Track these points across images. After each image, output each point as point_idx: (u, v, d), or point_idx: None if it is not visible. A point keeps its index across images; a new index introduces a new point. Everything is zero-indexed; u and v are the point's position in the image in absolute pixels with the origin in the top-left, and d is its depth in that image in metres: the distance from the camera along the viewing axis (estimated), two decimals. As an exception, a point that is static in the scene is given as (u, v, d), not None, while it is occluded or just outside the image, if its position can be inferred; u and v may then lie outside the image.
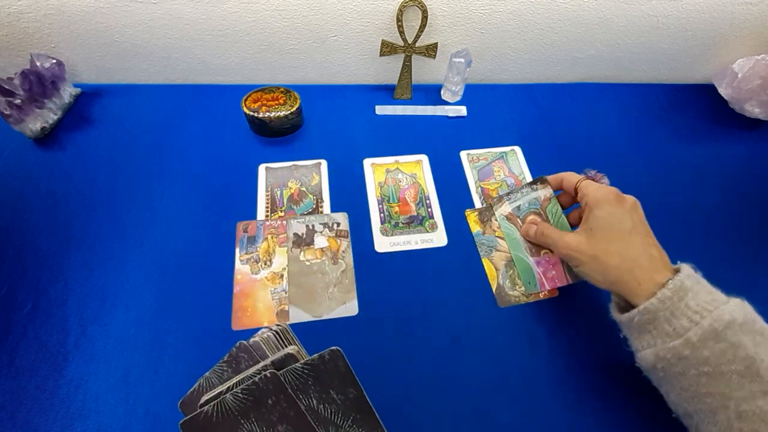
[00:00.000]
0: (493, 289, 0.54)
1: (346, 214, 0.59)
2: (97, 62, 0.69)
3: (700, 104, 0.76)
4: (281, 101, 0.65)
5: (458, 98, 0.73)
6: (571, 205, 0.53)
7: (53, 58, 0.64)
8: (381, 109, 0.71)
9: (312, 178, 0.62)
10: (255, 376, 0.35)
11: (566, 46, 0.72)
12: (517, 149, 0.67)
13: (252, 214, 0.58)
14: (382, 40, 0.65)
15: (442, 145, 0.67)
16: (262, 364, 0.37)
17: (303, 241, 0.56)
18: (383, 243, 0.57)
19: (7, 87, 0.59)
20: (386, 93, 0.74)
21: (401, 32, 0.64)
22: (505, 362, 0.49)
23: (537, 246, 0.55)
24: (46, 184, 0.59)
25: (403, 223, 0.59)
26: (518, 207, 0.57)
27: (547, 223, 0.53)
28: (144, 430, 0.43)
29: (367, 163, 0.64)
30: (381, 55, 0.67)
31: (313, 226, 0.57)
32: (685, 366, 0.37)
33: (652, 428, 0.45)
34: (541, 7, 0.66)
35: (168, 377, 0.46)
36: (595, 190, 0.47)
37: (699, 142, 0.71)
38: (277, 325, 0.40)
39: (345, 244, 0.56)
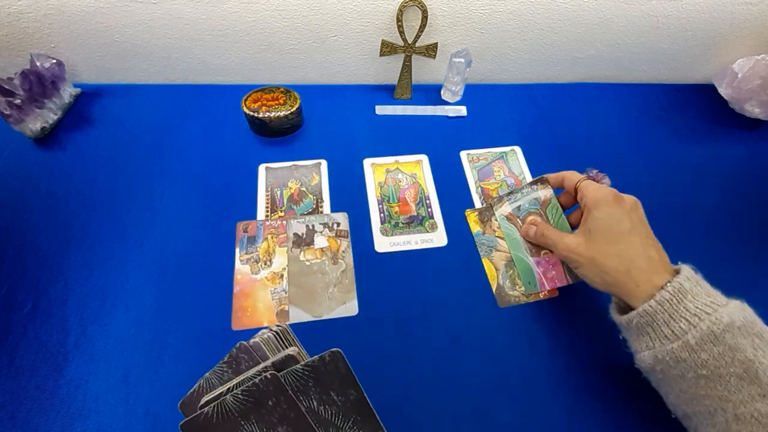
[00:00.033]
0: (493, 289, 0.54)
1: (346, 214, 0.59)
2: (97, 62, 0.69)
3: (700, 104, 0.76)
4: (281, 101, 0.65)
5: (458, 98, 0.73)
6: (573, 205, 0.53)
7: (53, 58, 0.64)
8: (381, 109, 0.71)
9: (312, 178, 0.62)
10: (255, 378, 0.35)
11: (566, 46, 0.72)
12: (517, 149, 0.67)
13: (252, 214, 0.58)
14: (382, 40, 0.65)
15: (442, 145, 0.67)
16: (262, 365, 0.37)
17: (303, 241, 0.56)
18: (383, 243, 0.57)
19: (7, 87, 0.59)
20: (386, 93, 0.74)
21: (401, 32, 0.64)
22: (505, 362, 0.49)
23: (537, 246, 0.54)
24: (46, 184, 0.59)
25: (403, 223, 0.59)
26: (518, 207, 0.57)
27: (547, 224, 0.53)
28: (144, 430, 0.43)
29: (367, 163, 0.64)
30: (381, 55, 0.67)
31: (313, 226, 0.57)
32: (683, 368, 0.37)
33: (652, 429, 0.45)
34: (541, 7, 0.66)
35: (168, 377, 0.46)
36: (594, 191, 0.46)
37: (699, 142, 0.71)
38: (278, 325, 0.40)
39: (345, 244, 0.56)
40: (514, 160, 0.66)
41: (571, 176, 0.51)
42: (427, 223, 0.59)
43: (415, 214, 0.60)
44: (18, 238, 0.55)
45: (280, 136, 0.66)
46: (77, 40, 0.65)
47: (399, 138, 0.68)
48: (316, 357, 0.36)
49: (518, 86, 0.76)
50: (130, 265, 0.53)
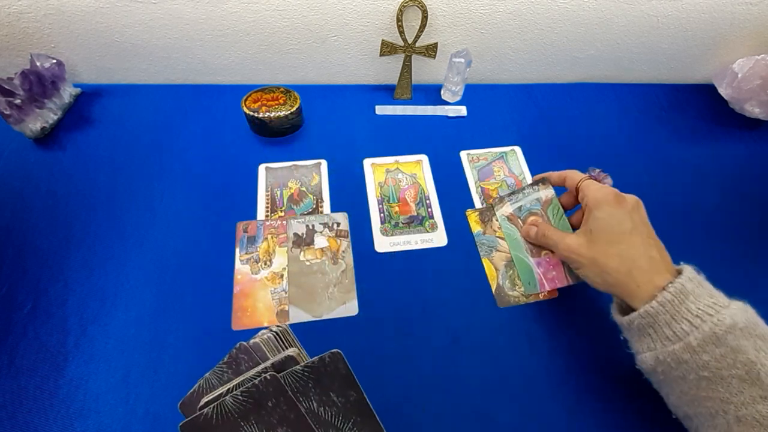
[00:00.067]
0: (493, 290, 0.54)
1: (346, 214, 0.59)
2: (97, 62, 0.69)
3: (700, 104, 0.76)
4: (281, 101, 0.65)
5: (458, 98, 0.73)
6: (574, 206, 0.53)
7: (53, 58, 0.64)
8: (381, 109, 0.71)
9: (312, 178, 0.62)
10: (255, 379, 0.35)
11: (566, 46, 0.72)
12: (517, 149, 0.67)
13: (252, 214, 0.58)
14: (382, 40, 0.65)
15: (442, 145, 0.67)
16: (262, 366, 0.37)
17: (303, 241, 0.56)
18: (383, 243, 0.57)
19: (7, 87, 0.59)
20: (386, 93, 0.74)
21: (401, 32, 0.64)
22: (505, 362, 0.49)
23: (538, 246, 0.54)
24: (46, 184, 0.59)
25: (403, 223, 0.59)
26: (520, 207, 0.57)
27: (548, 225, 0.53)
28: (144, 430, 0.43)
29: (367, 163, 0.64)
30: (381, 55, 0.67)
31: (313, 226, 0.57)
32: (685, 370, 0.37)
33: (652, 429, 0.45)
34: (541, 7, 0.66)
35: (168, 377, 0.46)
36: (596, 190, 0.46)
37: (699, 142, 0.71)
38: (278, 326, 0.40)
39: (345, 244, 0.56)
40: (514, 160, 0.66)
41: (573, 176, 0.51)
42: (427, 223, 0.59)
43: (415, 214, 0.60)
44: (18, 238, 0.55)
45: (280, 136, 0.66)
46: (77, 40, 0.65)
47: (399, 138, 0.68)
48: (316, 358, 0.36)
49: (518, 86, 0.76)
50: (130, 265, 0.53)
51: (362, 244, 0.57)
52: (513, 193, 0.58)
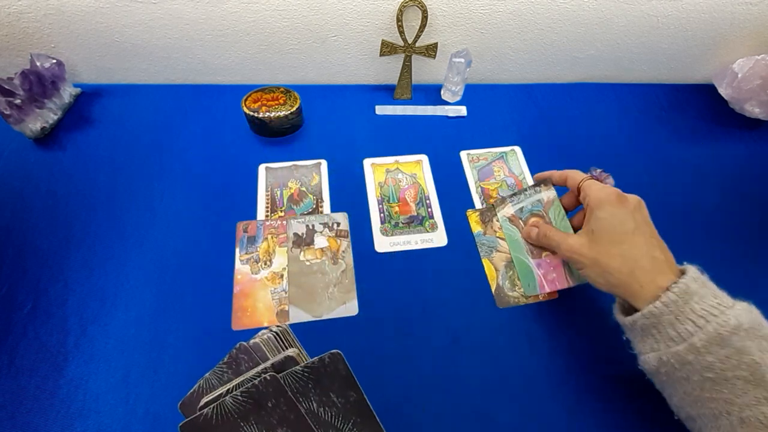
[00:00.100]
0: (493, 290, 0.54)
1: (346, 214, 0.59)
2: (97, 62, 0.69)
3: (700, 104, 0.76)
4: (281, 101, 0.65)
5: (458, 98, 0.73)
6: (575, 207, 0.53)
7: (53, 58, 0.64)
8: (381, 109, 0.71)
9: (312, 178, 0.62)
10: (255, 379, 0.35)
11: (566, 46, 0.72)
12: (517, 149, 0.67)
13: (252, 214, 0.58)
14: (382, 40, 0.65)
15: (442, 145, 0.67)
16: (262, 366, 0.37)
17: (303, 241, 0.56)
18: (383, 243, 0.57)
19: (7, 87, 0.59)
20: (386, 93, 0.74)
21: (401, 32, 0.64)
22: (505, 362, 0.49)
23: (538, 248, 0.54)
24: (46, 184, 0.59)
25: (403, 223, 0.59)
26: (521, 209, 0.57)
27: (550, 225, 0.53)
28: (144, 430, 0.43)
29: (367, 163, 0.64)
30: (381, 55, 0.67)
31: (313, 226, 0.57)
32: (688, 371, 0.37)
33: (652, 429, 0.45)
34: (541, 7, 0.66)
35: (168, 377, 0.46)
36: (598, 190, 0.46)
37: (699, 142, 0.71)
38: (278, 326, 0.40)
39: (345, 244, 0.56)
40: (514, 160, 0.66)
41: (574, 175, 0.50)
42: (427, 223, 0.59)
43: (415, 214, 0.60)
44: (18, 238, 0.55)
45: (280, 136, 0.66)
46: (77, 40, 0.65)
47: (399, 138, 0.68)
48: (315, 358, 0.36)
49: (518, 86, 0.76)
50: (130, 265, 0.53)
51: (362, 244, 0.57)
52: (515, 194, 0.58)
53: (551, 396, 0.47)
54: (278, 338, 0.39)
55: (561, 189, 0.54)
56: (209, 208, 0.58)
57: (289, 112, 0.63)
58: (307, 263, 0.54)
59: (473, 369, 0.48)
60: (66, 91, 0.66)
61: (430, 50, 0.67)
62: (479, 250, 0.57)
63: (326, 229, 0.57)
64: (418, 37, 0.65)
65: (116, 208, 0.58)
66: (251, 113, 0.62)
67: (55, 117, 0.64)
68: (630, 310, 0.42)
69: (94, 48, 0.67)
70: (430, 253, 0.57)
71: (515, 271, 0.55)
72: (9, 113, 0.59)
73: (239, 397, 0.35)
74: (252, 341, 0.38)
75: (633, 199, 0.45)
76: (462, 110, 0.71)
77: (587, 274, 0.45)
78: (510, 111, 0.73)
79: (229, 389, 0.36)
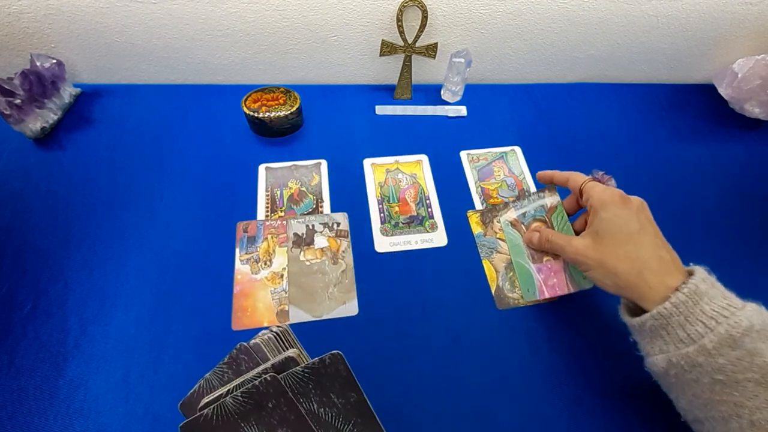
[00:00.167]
0: (493, 291, 0.54)
1: (346, 214, 0.59)
2: (97, 62, 0.69)
3: (700, 104, 0.76)
4: (281, 101, 0.65)
5: (458, 98, 0.73)
6: (576, 210, 0.52)
7: (53, 58, 0.64)
8: (381, 109, 0.71)
9: (312, 178, 0.62)
10: (255, 380, 0.35)
11: (566, 46, 0.72)
12: (517, 149, 0.67)
13: (252, 214, 0.58)
14: (382, 40, 0.65)
15: (442, 145, 0.67)
16: (262, 367, 0.37)
17: (303, 241, 0.56)
18: (383, 243, 0.57)
19: (7, 87, 0.59)
20: (386, 93, 0.74)
21: (401, 32, 0.64)
22: (505, 363, 0.49)
23: (540, 252, 0.54)
24: (46, 184, 0.59)
25: (403, 223, 0.59)
26: (524, 214, 0.56)
27: (551, 230, 0.52)
28: (144, 430, 0.43)
29: (367, 163, 0.64)
30: (381, 55, 0.67)
31: (313, 226, 0.57)
32: (698, 373, 0.36)
33: (652, 429, 0.45)
34: (541, 7, 0.66)
35: (168, 377, 0.46)
36: (600, 192, 0.46)
37: (699, 142, 0.71)
38: (278, 326, 0.40)
39: (345, 244, 0.56)
40: (514, 160, 0.66)
41: (576, 177, 0.50)
42: (427, 223, 0.59)
43: (415, 214, 0.60)
44: (18, 238, 0.55)
45: (280, 136, 0.66)
46: (77, 40, 0.65)
47: (399, 138, 0.68)
48: (316, 359, 0.36)
49: (518, 86, 0.76)
50: (130, 265, 0.53)
51: (362, 244, 0.57)
52: (518, 199, 0.58)
53: (551, 396, 0.47)
54: (279, 338, 0.39)
55: (562, 191, 0.54)
56: (209, 208, 0.58)
57: (289, 112, 0.63)
58: (307, 263, 0.54)
59: (473, 369, 0.48)
60: (66, 91, 0.66)
61: (430, 50, 0.67)
62: (479, 251, 0.57)
63: (326, 229, 0.57)
64: (418, 37, 0.65)
65: (116, 208, 0.58)
66: (251, 113, 0.62)
67: (55, 117, 0.64)
68: (636, 310, 0.42)
69: (94, 48, 0.67)
70: (430, 253, 0.57)
71: (515, 273, 0.54)
72: (9, 113, 0.59)
73: (239, 398, 0.35)
74: (252, 341, 0.38)
75: (636, 200, 0.45)
76: (462, 110, 0.71)
77: (594, 276, 0.45)
78: (510, 111, 0.73)
79: (229, 390, 0.36)
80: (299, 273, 0.54)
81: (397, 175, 0.63)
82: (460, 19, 0.66)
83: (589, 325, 0.51)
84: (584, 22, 0.68)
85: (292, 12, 0.63)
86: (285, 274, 0.53)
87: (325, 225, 0.57)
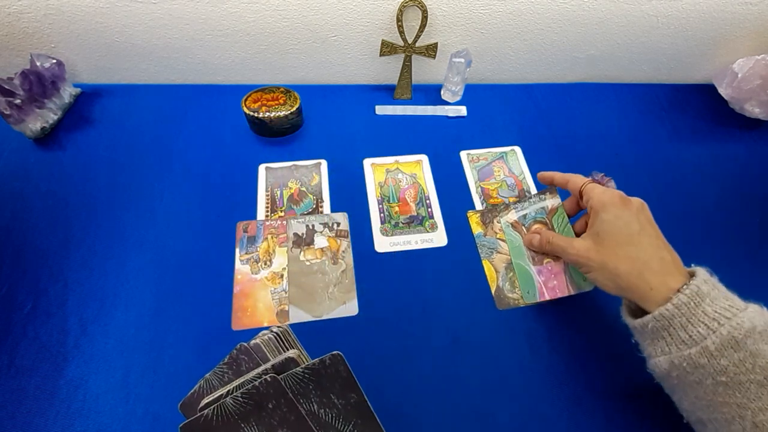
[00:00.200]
0: (493, 291, 0.54)
1: (346, 214, 0.59)
2: (97, 62, 0.69)
3: (700, 104, 0.76)
4: (281, 101, 0.65)
5: (458, 98, 0.73)
6: (577, 212, 0.52)
7: (53, 58, 0.64)
8: (381, 109, 0.71)
9: (312, 178, 0.62)
10: (255, 380, 0.35)
11: (566, 46, 0.72)
12: (517, 149, 0.67)
13: (252, 214, 0.58)
14: (382, 40, 0.65)
15: (442, 145, 0.67)
16: (262, 367, 0.37)
17: (303, 241, 0.56)
18: (383, 243, 0.57)
19: (7, 87, 0.59)
20: (386, 93, 0.74)
21: (401, 32, 0.64)
22: (505, 363, 0.49)
23: (540, 254, 0.54)
24: (46, 184, 0.59)
25: (403, 223, 0.59)
26: (524, 215, 0.56)
27: (552, 231, 0.52)
28: (144, 431, 0.43)
29: (367, 163, 0.64)
30: (381, 55, 0.67)
31: (313, 226, 0.57)
32: (701, 375, 0.36)
33: (652, 429, 0.45)
34: (541, 7, 0.66)
35: (168, 377, 0.46)
36: (601, 193, 0.46)
37: (699, 142, 0.71)
38: (278, 326, 0.40)
39: (345, 244, 0.56)
40: (514, 160, 0.66)
41: (576, 179, 0.50)
42: (427, 223, 0.59)
43: (415, 214, 0.60)
44: (18, 238, 0.55)
45: (280, 136, 0.66)
46: (77, 40, 0.65)
47: (399, 138, 0.68)
48: (316, 360, 0.36)
49: (518, 86, 0.76)
50: (130, 265, 0.53)
51: (362, 244, 0.57)
52: (519, 201, 0.58)
53: (551, 396, 0.47)
54: (279, 339, 0.39)
55: (562, 193, 0.54)
56: (209, 208, 0.58)
57: (289, 112, 0.63)
58: (307, 263, 0.54)
59: (473, 369, 0.48)
60: (66, 91, 0.66)
61: (430, 50, 0.67)
62: (479, 251, 0.57)
63: (326, 229, 0.57)
64: (418, 37, 0.65)
65: (116, 208, 0.58)
66: (251, 113, 0.62)
67: (55, 117, 0.64)
68: (638, 312, 0.42)
69: (94, 48, 0.67)
70: (430, 253, 0.57)
71: (516, 274, 0.54)
72: (9, 113, 0.59)
73: (240, 398, 0.35)
74: (253, 342, 0.38)
75: (636, 201, 0.45)
76: (462, 110, 0.71)
77: (595, 278, 0.45)
78: (510, 111, 0.73)
79: (229, 390, 0.36)
80: (299, 273, 0.54)
81: (397, 175, 0.63)
82: (460, 19, 0.66)
83: (590, 325, 0.51)
84: (584, 22, 0.68)
85: (292, 12, 0.63)
86: (285, 274, 0.53)
87: (325, 225, 0.57)
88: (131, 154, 0.63)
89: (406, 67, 0.69)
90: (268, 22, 0.65)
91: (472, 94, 0.73)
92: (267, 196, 0.60)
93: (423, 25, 0.64)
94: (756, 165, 0.68)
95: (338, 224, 0.58)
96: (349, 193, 0.61)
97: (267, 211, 0.58)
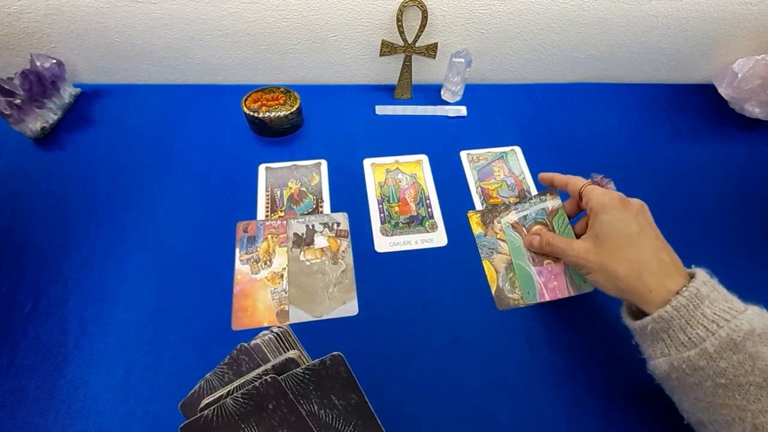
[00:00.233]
0: (493, 292, 0.54)
1: (346, 214, 0.59)
2: (97, 62, 0.69)
3: (700, 104, 0.76)
4: (281, 101, 0.65)
5: (458, 98, 0.73)
6: (576, 214, 0.52)
7: (53, 58, 0.64)
8: (381, 109, 0.71)
9: (312, 178, 0.62)
10: (255, 381, 0.35)
11: (566, 46, 0.72)
12: (517, 149, 0.67)
13: (252, 214, 0.58)
14: (382, 40, 0.65)
15: (442, 145, 0.67)
16: (262, 368, 0.37)
17: (303, 241, 0.56)
18: (383, 243, 0.57)
19: (7, 87, 0.59)
20: (386, 93, 0.74)
21: (401, 32, 0.64)
22: (505, 363, 0.49)
23: (540, 255, 0.54)
24: (46, 184, 0.59)
25: (403, 223, 0.59)
26: (525, 216, 0.56)
27: (552, 233, 0.52)
28: (144, 431, 0.43)
29: (367, 163, 0.64)
30: (381, 55, 0.67)
31: (313, 226, 0.57)
32: (700, 376, 0.36)
33: (652, 430, 0.45)
34: (541, 7, 0.66)
35: (168, 378, 0.46)
36: (600, 195, 0.46)
37: (699, 142, 0.71)
38: (279, 327, 0.40)
39: (345, 244, 0.56)
40: (514, 160, 0.66)
41: (575, 181, 0.50)
42: (427, 223, 0.59)
43: (415, 214, 0.60)
44: (18, 238, 0.55)
45: (280, 136, 0.66)
46: (77, 40, 0.65)
47: (399, 138, 0.68)
48: (317, 361, 0.36)
49: (518, 86, 0.76)
50: (130, 265, 0.53)
51: (362, 244, 0.57)
52: (519, 202, 0.58)
53: (551, 396, 0.47)
54: (279, 339, 0.39)
55: (563, 194, 0.54)
56: (209, 208, 0.58)
57: (289, 112, 0.63)
58: (307, 263, 0.54)
59: (473, 369, 0.48)
60: (66, 91, 0.66)
61: (430, 50, 0.67)
62: (480, 251, 0.57)
63: (326, 229, 0.57)
64: (418, 37, 0.65)
65: (116, 208, 0.58)
66: (251, 113, 0.62)
67: (55, 117, 0.64)
68: (638, 313, 0.42)
69: (94, 48, 0.67)
70: (430, 253, 0.57)
71: (516, 275, 0.54)
72: (9, 113, 0.59)
73: (240, 399, 0.35)
74: (253, 342, 0.38)
75: (636, 202, 0.45)
76: (462, 110, 0.71)
77: (595, 280, 0.45)
78: (510, 111, 0.73)
79: (229, 391, 0.36)
80: (299, 273, 0.54)
81: (397, 175, 0.63)
82: (460, 19, 0.66)
83: (590, 326, 0.51)
84: (584, 22, 0.68)
85: (292, 12, 0.63)
86: (285, 274, 0.53)
87: (325, 225, 0.57)
88: (131, 154, 0.63)
89: (406, 67, 0.69)
90: (268, 22, 0.65)
91: (472, 94, 0.73)
92: (267, 196, 0.60)
93: (423, 25, 0.64)
94: (756, 165, 0.68)
95: (338, 224, 0.58)
96: (349, 193, 0.61)
97: (267, 211, 0.58)
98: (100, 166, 0.61)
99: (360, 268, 0.55)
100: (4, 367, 0.46)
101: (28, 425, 0.43)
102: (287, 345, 0.39)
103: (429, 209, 0.60)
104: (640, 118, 0.73)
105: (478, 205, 0.61)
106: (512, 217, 0.58)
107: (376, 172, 0.63)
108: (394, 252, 0.56)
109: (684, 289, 0.38)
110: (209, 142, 0.65)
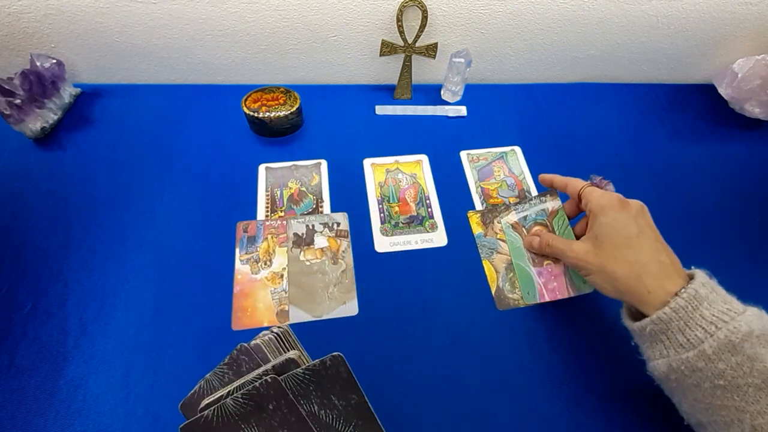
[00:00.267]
0: (493, 292, 0.54)
1: (346, 214, 0.59)
2: (97, 62, 0.69)
3: (700, 104, 0.76)
4: (281, 101, 0.65)
5: (458, 98, 0.73)
6: (576, 215, 0.52)
7: (53, 58, 0.64)
8: (381, 109, 0.71)
9: (312, 178, 0.62)
10: (256, 381, 0.35)
11: (566, 46, 0.72)
12: (517, 149, 0.67)
13: (252, 214, 0.58)
14: (382, 40, 0.65)
15: (442, 145, 0.67)
16: (263, 368, 0.37)
17: (303, 241, 0.56)
18: (383, 243, 0.57)
19: (7, 87, 0.59)
20: (386, 93, 0.74)
21: (401, 32, 0.64)
22: (505, 363, 0.49)
23: (540, 256, 0.54)
24: (46, 184, 0.59)
25: (403, 223, 0.59)
26: (525, 217, 0.56)
27: (552, 234, 0.52)
28: (144, 431, 0.43)
29: (367, 163, 0.64)
30: (381, 55, 0.67)
31: (313, 226, 0.57)
32: (699, 378, 0.36)
33: (652, 430, 0.45)
34: (541, 7, 0.65)
35: (168, 378, 0.46)
36: (599, 196, 0.46)
37: (699, 142, 0.71)
38: (279, 327, 0.40)
39: (345, 244, 0.56)
40: (514, 160, 0.66)
41: (574, 183, 0.50)
42: (427, 223, 0.59)
43: (415, 214, 0.60)
44: (18, 238, 0.55)
45: (280, 136, 0.66)
46: (77, 40, 0.65)
47: (399, 138, 0.68)
48: (317, 361, 0.36)
49: (518, 86, 0.76)
50: (130, 265, 0.53)
51: (362, 244, 0.57)
52: (519, 202, 0.58)
53: (551, 396, 0.47)
54: (279, 339, 0.39)
55: (563, 195, 0.54)
56: (209, 208, 0.58)
57: (289, 112, 0.63)
58: (307, 263, 0.54)
59: (473, 369, 0.48)
60: (66, 91, 0.66)
61: (430, 50, 0.67)
62: (480, 251, 0.57)
63: (326, 229, 0.57)
64: (418, 37, 0.65)
65: (116, 208, 0.58)
66: (251, 113, 0.62)
67: (55, 117, 0.64)
68: (638, 315, 0.42)
69: (94, 48, 0.67)
70: (430, 253, 0.57)
71: (516, 274, 0.54)
72: (9, 113, 0.59)
73: (240, 399, 0.35)
74: (253, 342, 0.38)
75: (635, 203, 0.45)
76: (462, 110, 0.71)
77: (594, 281, 0.45)
78: (510, 111, 0.73)
79: (229, 391, 0.36)
80: (299, 273, 0.54)
81: (397, 175, 0.63)
82: (460, 19, 0.66)
83: (590, 326, 0.51)
84: (584, 22, 0.68)
85: (292, 12, 0.63)
86: (285, 274, 0.53)
87: (325, 225, 0.57)
88: (131, 154, 0.63)
89: (406, 67, 0.69)
90: (268, 22, 0.65)
91: (472, 94, 0.73)
92: (267, 196, 0.60)
93: (423, 25, 0.64)
94: (756, 165, 0.68)
95: (338, 224, 0.58)
96: (349, 193, 0.61)
97: (267, 211, 0.58)
98: (100, 166, 0.61)
99: (360, 268, 0.55)
100: (4, 367, 0.46)
101: (28, 425, 0.43)
102: (287, 345, 0.39)
103: (429, 209, 0.60)
104: (640, 118, 0.73)
105: (478, 205, 0.61)
106: (512, 217, 0.58)
107: (376, 172, 0.63)
108: (394, 252, 0.56)
109: (683, 290, 0.38)
110: (209, 142, 0.65)
